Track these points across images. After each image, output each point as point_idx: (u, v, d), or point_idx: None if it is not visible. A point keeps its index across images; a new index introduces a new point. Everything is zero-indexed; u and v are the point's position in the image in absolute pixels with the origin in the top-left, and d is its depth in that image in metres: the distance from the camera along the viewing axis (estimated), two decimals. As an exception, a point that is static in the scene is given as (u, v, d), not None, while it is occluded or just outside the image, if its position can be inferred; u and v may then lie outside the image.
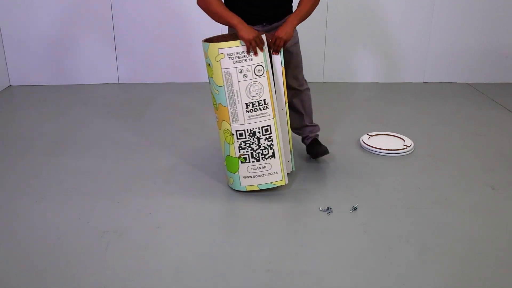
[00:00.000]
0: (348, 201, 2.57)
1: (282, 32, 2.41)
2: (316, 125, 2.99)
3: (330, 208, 2.49)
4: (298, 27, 2.64)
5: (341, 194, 2.64)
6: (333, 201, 2.57)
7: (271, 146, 2.52)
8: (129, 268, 2.05)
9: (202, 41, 2.46)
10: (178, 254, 2.14)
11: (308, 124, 2.94)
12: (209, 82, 2.51)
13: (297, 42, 2.72)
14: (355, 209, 2.49)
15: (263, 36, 2.38)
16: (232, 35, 2.56)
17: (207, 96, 4.22)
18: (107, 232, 2.29)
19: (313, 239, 2.26)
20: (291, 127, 2.95)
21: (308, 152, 2.97)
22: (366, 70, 4.71)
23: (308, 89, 2.89)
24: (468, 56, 4.67)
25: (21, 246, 2.19)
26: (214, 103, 2.52)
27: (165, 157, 3.08)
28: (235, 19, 2.37)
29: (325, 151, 2.87)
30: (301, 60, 2.78)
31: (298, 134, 3.01)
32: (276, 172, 2.56)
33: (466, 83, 4.74)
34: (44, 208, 2.50)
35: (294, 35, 2.65)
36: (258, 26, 2.58)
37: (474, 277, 2.01)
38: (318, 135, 3.00)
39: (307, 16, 2.52)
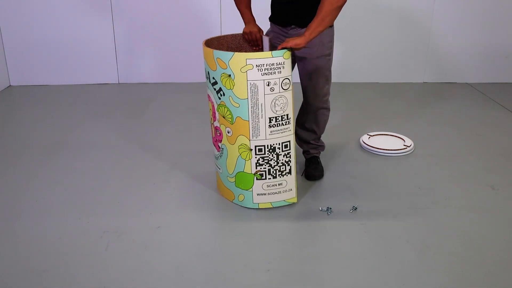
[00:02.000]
0: (348, 201, 2.57)
1: (293, 41, 2.27)
2: (321, 145, 2.89)
3: (330, 208, 2.49)
4: None
5: (341, 194, 2.64)
6: (333, 201, 2.57)
7: (289, 162, 2.42)
8: (129, 268, 2.05)
9: (208, 46, 2.34)
10: (178, 254, 2.14)
11: (312, 142, 2.85)
12: (221, 94, 2.34)
13: (324, 56, 2.56)
14: (355, 209, 2.49)
15: (266, 39, 2.40)
16: (232, 35, 2.57)
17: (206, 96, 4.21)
18: (107, 232, 2.29)
19: (313, 239, 2.26)
20: (295, 136, 2.88)
21: (305, 168, 2.85)
22: (366, 70, 4.71)
23: (327, 109, 2.74)
24: (468, 56, 4.67)
25: (21, 246, 2.19)
26: (228, 116, 2.35)
27: (165, 157, 3.08)
28: (245, 18, 2.59)
29: (319, 176, 2.78)
30: (327, 77, 2.62)
31: (299, 146, 2.89)
32: (291, 189, 2.48)
33: (466, 83, 4.74)
34: (44, 208, 2.50)
35: (323, 49, 2.53)
36: (288, 28, 2.54)
37: (474, 277, 2.01)
38: (320, 153, 2.92)
39: (326, 28, 2.32)
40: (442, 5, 4.49)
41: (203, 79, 4.61)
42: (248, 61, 2.21)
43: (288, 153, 2.40)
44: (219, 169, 2.55)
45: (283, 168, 2.42)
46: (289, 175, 2.45)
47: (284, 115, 2.34)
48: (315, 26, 2.27)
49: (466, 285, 1.97)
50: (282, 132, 2.35)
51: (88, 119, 3.71)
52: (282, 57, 2.24)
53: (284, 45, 2.26)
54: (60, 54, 4.49)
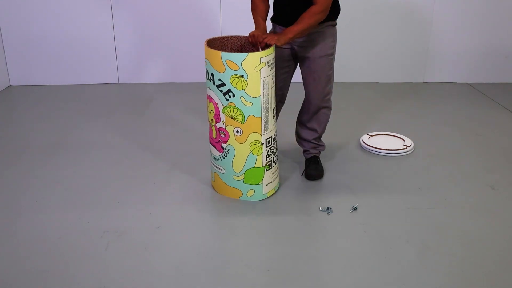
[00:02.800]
0: (348, 201, 2.57)
1: (274, 37, 2.34)
2: (322, 145, 2.89)
3: (330, 208, 2.49)
4: None
5: (341, 194, 2.64)
6: (333, 201, 2.57)
7: (277, 144, 2.59)
8: (129, 268, 2.05)
9: (210, 47, 2.36)
10: (178, 254, 2.14)
11: (313, 141, 2.84)
12: (229, 96, 2.34)
13: (327, 56, 2.57)
14: (355, 209, 2.49)
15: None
16: (237, 37, 2.57)
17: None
18: (107, 232, 2.29)
19: (313, 239, 2.26)
20: (296, 135, 2.91)
21: (305, 167, 2.84)
22: (366, 70, 4.71)
23: (329, 108, 2.75)
24: (468, 56, 4.67)
25: (21, 246, 2.19)
26: (238, 116, 2.37)
27: (165, 157, 3.07)
28: (256, 24, 2.53)
29: (319, 176, 2.77)
30: (329, 76, 2.62)
31: (300, 145, 2.91)
32: (277, 168, 2.64)
33: (466, 83, 4.74)
34: (44, 208, 2.50)
35: (326, 48, 2.55)
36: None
37: (474, 277, 2.01)
38: (320, 153, 2.90)
39: (307, 32, 2.41)
40: (442, 5, 4.48)
41: (203, 79, 4.61)
42: (262, 60, 2.29)
43: (276, 137, 2.55)
44: (220, 169, 2.55)
45: (277, 151, 2.57)
46: (277, 157, 2.61)
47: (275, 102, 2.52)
48: (296, 33, 2.36)
49: (466, 285, 1.97)
50: (276, 119, 2.52)
51: (88, 119, 3.71)
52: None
53: (269, 41, 2.34)
54: (60, 54, 4.49)
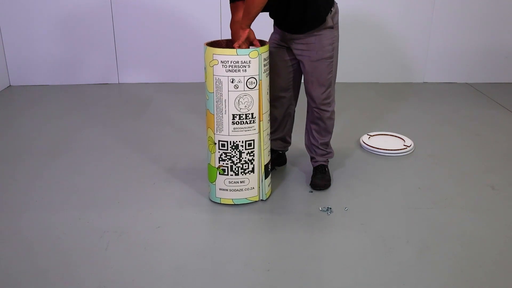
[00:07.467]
0: (348, 201, 2.57)
1: (240, 37, 2.36)
2: (330, 151, 2.77)
3: (330, 208, 2.49)
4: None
5: (341, 194, 2.64)
6: (333, 201, 2.57)
7: (252, 161, 2.45)
8: (129, 268, 2.05)
9: (205, 43, 2.39)
10: (178, 254, 2.14)
11: (320, 147, 2.72)
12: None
13: (325, 59, 2.50)
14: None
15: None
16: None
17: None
18: (107, 232, 2.29)
19: (313, 239, 2.26)
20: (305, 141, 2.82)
21: (312, 177, 2.75)
22: (366, 70, 4.71)
23: (329, 112, 2.62)
24: (468, 56, 4.67)
25: (21, 246, 2.19)
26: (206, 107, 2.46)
27: (165, 157, 3.08)
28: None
29: (325, 186, 2.69)
30: (328, 80, 2.55)
31: (307, 151, 2.81)
32: (253, 188, 2.51)
33: (466, 83, 4.75)
34: (44, 208, 2.50)
35: (323, 52, 2.48)
36: (284, 33, 2.53)
37: (474, 277, 2.01)
38: (328, 161, 2.79)
39: (251, 16, 2.32)
40: (442, 5, 4.49)
41: (203, 79, 4.61)
42: (215, 56, 2.28)
43: (251, 152, 2.44)
44: None
45: (245, 166, 2.46)
46: (252, 173, 2.48)
47: (249, 113, 2.37)
48: (244, 19, 2.34)
49: (466, 285, 1.97)
50: (246, 130, 2.39)
51: (88, 120, 3.71)
52: (247, 56, 2.28)
53: (236, 44, 2.36)
54: (60, 54, 4.50)
